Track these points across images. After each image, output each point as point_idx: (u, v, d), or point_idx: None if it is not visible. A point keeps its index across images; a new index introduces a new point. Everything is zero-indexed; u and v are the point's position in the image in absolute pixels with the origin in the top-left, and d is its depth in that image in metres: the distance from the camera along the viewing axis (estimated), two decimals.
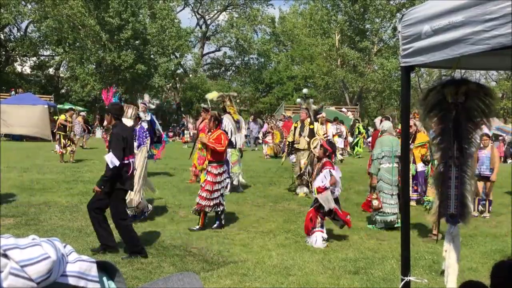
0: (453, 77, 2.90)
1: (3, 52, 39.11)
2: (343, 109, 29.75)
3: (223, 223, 7.56)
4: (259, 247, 6.51)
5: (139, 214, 7.62)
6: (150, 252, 5.96)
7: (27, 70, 41.98)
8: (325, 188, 6.55)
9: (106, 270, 1.29)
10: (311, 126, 10.59)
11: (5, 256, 1.08)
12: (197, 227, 7.33)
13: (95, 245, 6.22)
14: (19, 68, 41.34)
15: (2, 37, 39.28)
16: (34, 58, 40.92)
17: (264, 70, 44.69)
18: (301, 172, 10.53)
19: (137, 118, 7.76)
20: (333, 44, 37.28)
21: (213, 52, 48.94)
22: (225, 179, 7.69)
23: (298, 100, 14.24)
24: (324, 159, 6.80)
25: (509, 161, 23.90)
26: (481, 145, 8.89)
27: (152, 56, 37.15)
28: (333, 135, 12.11)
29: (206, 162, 7.53)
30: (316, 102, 19.78)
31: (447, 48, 2.41)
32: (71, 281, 1.17)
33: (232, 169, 10.50)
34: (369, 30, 37.84)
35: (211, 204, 7.30)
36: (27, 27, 40.35)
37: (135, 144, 7.45)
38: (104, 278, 1.27)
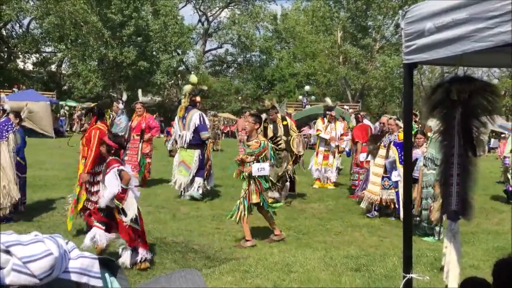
0: (457, 74, 2.89)
1: (6, 49, 39.16)
2: (345, 106, 29.68)
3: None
4: (260, 244, 6.51)
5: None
6: (152, 248, 5.98)
7: (29, 66, 42.08)
8: (123, 192, 5.16)
9: (108, 266, 1.29)
10: (285, 123, 9.64)
11: (8, 252, 1.08)
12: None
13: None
14: (21, 65, 41.43)
15: (4, 33, 39.33)
16: (36, 55, 40.98)
17: (266, 67, 44.59)
18: (282, 174, 9.42)
19: None
20: (335, 41, 37.21)
21: (215, 49, 48.95)
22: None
23: (300, 97, 14.02)
24: (109, 158, 5.33)
25: None
26: (414, 144, 7.14)
27: (154, 53, 37.16)
28: (341, 134, 11.92)
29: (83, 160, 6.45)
30: (318, 100, 19.68)
31: (450, 45, 2.41)
32: (74, 277, 1.18)
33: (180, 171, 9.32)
34: (371, 27, 37.74)
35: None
36: (29, 23, 40.39)
37: None
38: (106, 275, 1.27)
